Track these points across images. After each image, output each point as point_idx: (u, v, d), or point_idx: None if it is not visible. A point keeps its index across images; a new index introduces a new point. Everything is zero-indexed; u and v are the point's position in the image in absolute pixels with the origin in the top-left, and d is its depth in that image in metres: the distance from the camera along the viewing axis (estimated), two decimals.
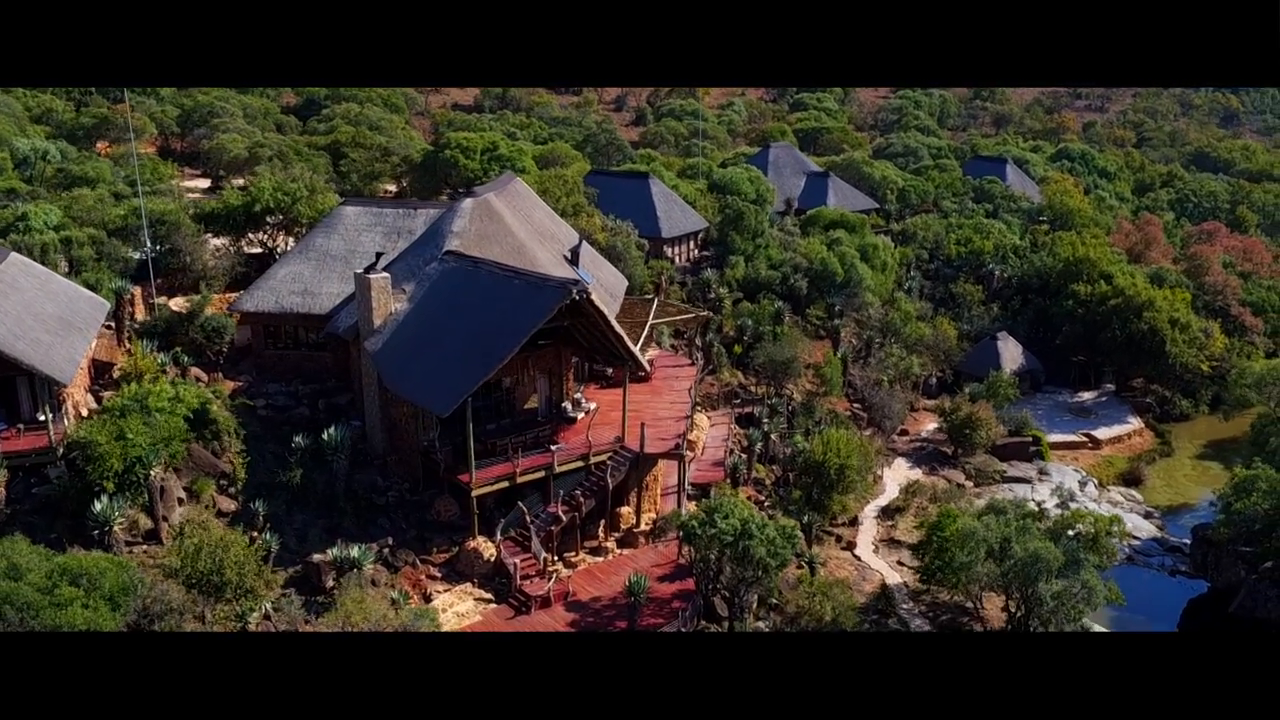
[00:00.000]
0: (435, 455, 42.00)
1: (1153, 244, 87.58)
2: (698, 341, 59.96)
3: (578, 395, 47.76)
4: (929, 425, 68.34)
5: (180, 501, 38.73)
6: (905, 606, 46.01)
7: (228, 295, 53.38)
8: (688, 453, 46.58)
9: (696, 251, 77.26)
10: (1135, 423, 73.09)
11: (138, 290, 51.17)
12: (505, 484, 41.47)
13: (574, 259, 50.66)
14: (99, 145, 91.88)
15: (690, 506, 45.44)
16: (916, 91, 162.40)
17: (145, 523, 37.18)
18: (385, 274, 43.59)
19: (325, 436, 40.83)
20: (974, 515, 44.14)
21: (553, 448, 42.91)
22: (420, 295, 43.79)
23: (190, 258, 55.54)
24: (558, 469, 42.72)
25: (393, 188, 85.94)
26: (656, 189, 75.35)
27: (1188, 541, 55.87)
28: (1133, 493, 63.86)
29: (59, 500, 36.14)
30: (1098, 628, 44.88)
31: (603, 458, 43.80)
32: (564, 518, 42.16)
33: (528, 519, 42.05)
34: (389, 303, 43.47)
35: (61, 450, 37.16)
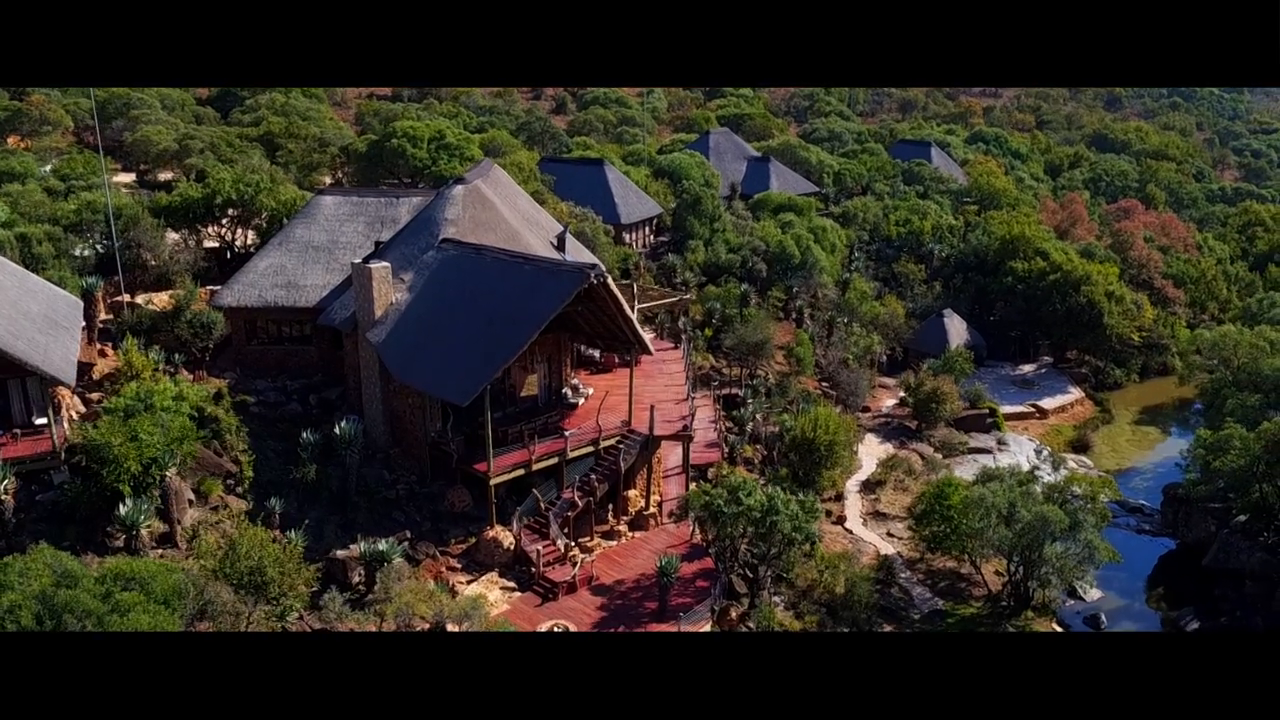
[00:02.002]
0: (447, 446, 41.44)
1: (1078, 221, 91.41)
2: (681, 324, 60.27)
3: (575, 381, 47.68)
4: (888, 401, 70.11)
5: (190, 503, 37.41)
6: (904, 575, 47.34)
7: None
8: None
9: (653, 237, 77.50)
10: (1076, 392, 76.30)
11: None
12: (520, 471, 41.19)
13: (561, 245, 50.45)
14: (11, 139, 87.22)
15: (692, 487, 45.79)
16: None
17: (158, 526, 35.82)
18: (385, 264, 42.71)
19: (338, 431, 39.90)
20: (979, 483, 45.58)
21: (565, 434, 42.73)
22: (421, 284, 43.04)
23: (151, 253, 53.33)
24: (570, 454, 42.60)
25: (328, 179, 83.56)
26: (612, 175, 75.15)
27: (1146, 503, 58.85)
28: (1084, 459, 66.62)
29: (68, 506, 34.48)
30: (1093, 590, 47.05)
31: (612, 442, 43.84)
32: (579, 503, 42.09)
33: (543, 506, 41.85)
34: (390, 293, 42.61)
35: (63, 455, 35.51)
